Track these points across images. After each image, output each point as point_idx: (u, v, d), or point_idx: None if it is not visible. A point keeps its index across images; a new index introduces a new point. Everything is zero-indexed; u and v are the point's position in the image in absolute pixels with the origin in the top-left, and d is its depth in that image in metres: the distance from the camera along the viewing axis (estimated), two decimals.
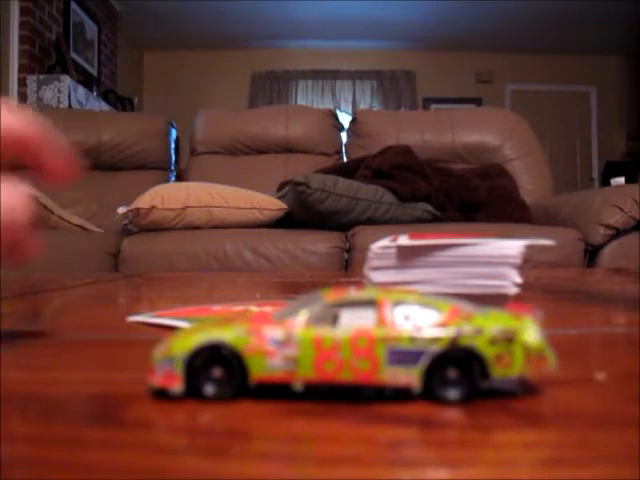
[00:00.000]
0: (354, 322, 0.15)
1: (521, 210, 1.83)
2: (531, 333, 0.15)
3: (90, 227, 1.78)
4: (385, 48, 5.82)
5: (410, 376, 0.15)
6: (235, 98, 5.65)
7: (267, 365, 0.15)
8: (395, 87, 5.83)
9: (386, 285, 0.32)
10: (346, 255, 1.49)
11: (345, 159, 2.26)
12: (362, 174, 1.75)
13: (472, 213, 1.77)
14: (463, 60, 5.86)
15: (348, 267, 1.46)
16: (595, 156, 5.98)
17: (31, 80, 3.32)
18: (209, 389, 0.15)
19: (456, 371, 0.15)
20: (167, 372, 0.16)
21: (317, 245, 1.45)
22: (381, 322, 0.15)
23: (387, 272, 0.31)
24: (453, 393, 0.15)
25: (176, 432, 0.13)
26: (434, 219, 1.67)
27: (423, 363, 0.15)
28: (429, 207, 1.67)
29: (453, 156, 2.14)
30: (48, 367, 0.21)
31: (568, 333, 0.27)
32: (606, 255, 1.47)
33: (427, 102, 5.84)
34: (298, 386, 0.15)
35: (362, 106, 5.76)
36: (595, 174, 5.91)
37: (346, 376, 0.15)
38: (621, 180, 2.01)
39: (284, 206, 1.67)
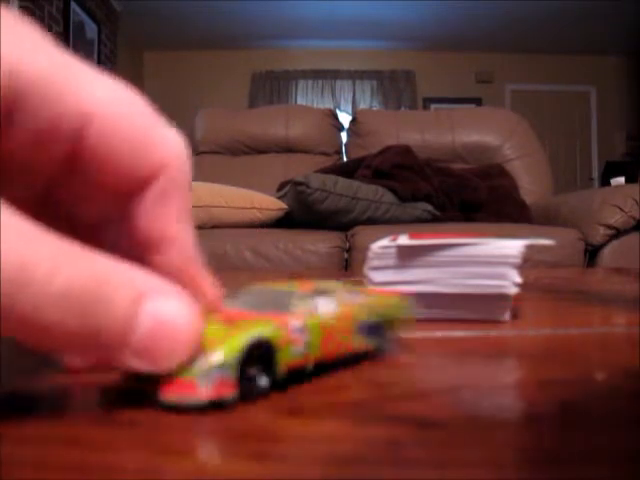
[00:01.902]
0: (327, 307, 0.18)
1: (521, 210, 1.83)
2: (401, 305, 0.22)
3: None
4: (385, 48, 5.82)
5: (371, 343, 0.20)
6: (235, 98, 5.65)
7: (292, 353, 0.16)
8: (395, 87, 5.83)
9: (385, 285, 0.32)
10: (346, 255, 1.49)
11: (345, 159, 2.26)
12: (362, 174, 1.75)
13: (472, 213, 1.77)
14: (463, 60, 5.86)
15: (348, 267, 1.46)
16: (595, 156, 5.98)
17: None
18: (261, 384, 0.16)
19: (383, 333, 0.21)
20: (219, 381, 0.14)
21: (317, 245, 1.45)
22: (345, 305, 0.19)
23: (387, 272, 0.31)
24: (386, 346, 0.21)
25: (176, 432, 0.13)
26: (434, 219, 1.67)
27: (378, 332, 0.20)
28: (429, 207, 1.67)
29: (453, 156, 2.14)
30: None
31: (568, 333, 0.27)
32: (606, 255, 1.47)
33: (427, 102, 5.84)
34: (310, 367, 0.17)
35: (362, 106, 5.76)
36: (595, 174, 5.91)
37: (340, 351, 0.18)
38: (621, 180, 2.01)
39: (284, 206, 1.67)
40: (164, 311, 0.13)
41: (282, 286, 0.19)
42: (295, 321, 0.17)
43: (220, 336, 0.15)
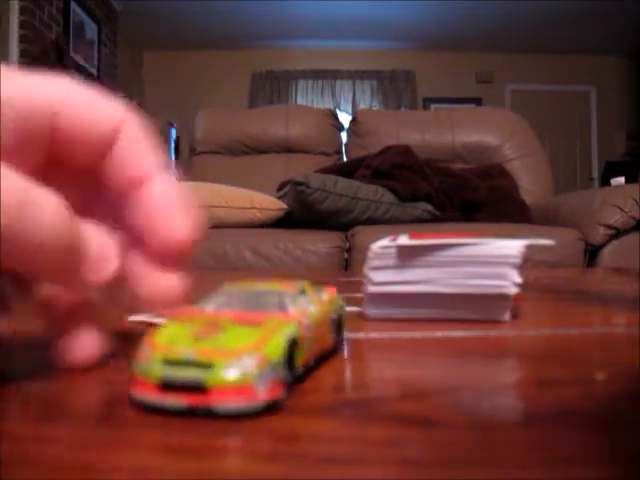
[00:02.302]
0: (305, 304, 0.19)
1: (521, 210, 1.83)
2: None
3: None
4: (385, 48, 5.82)
5: (333, 337, 0.21)
6: (235, 98, 5.65)
7: (305, 350, 0.17)
8: (395, 87, 5.83)
9: (385, 285, 0.32)
10: (346, 255, 1.49)
11: (345, 159, 2.26)
12: (362, 174, 1.75)
13: (472, 213, 1.77)
14: (463, 60, 5.86)
15: (348, 267, 1.46)
16: (595, 156, 5.98)
17: None
18: (289, 382, 0.16)
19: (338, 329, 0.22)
20: (272, 383, 0.14)
21: (317, 245, 1.45)
22: (318, 302, 0.20)
23: (387, 272, 0.31)
24: (342, 342, 0.22)
25: (175, 432, 0.13)
26: (434, 219, 1.67)
27: (336, 326, 0.21)
28: (429, 207, 1.67)
29: (453, 156, 2.14)
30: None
31: (568, 333, 0.27)
32: (606, 255, 1.47)
33: (427, 102, 5.84)
34: (312, 363, 0.18)
35: (362, 106, 5.76)
36: (595, 174, 5.91)
37: (327, 345, 0.20)
38: (621, 180, 2.01)
39: (284, 206, 1.67)
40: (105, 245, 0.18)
41: (262, 286, 0.19)
42: (306, 320, 0.17)
43: (256, 338, 0.15)
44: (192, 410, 0.14)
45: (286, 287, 0.19)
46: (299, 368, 0.17)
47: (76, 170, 0.19)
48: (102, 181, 0.19)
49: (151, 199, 0.18)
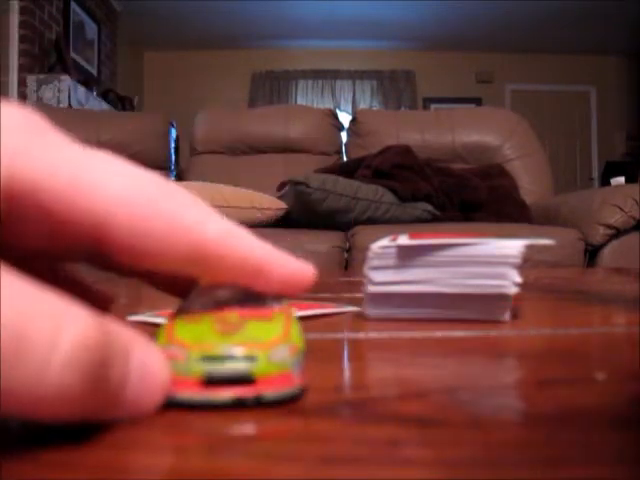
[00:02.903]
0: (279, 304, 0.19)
1: (521, 210, 1.83)
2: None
3: None
4: (385, 48, 5.82)
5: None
6: (235, 98, 5.65)
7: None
8: (395, 87, 5.83)
9: (385, 285, 0.32)
10: (346, 255, 1.49)
11: (345, 159, 2.26)
12: (362, 174, 1.75)
13: (472, 213, 1.77)
14: (463, 60, 5.86)
15: (348, 267, 1.46)
16: (595, 156, 5.98)
17: (31, 80, 3.32)
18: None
19: None
20: (301, 369, 0.16)
21: (317, 245, 1.45)
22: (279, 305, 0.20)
23: (387, 272, 0.31)
24: None
25: (175, 431, 0.13)
26: (434, 219, 1.67)
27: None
28: (429, 207, 1.67)
29: (453, 156, 2.14)
30: None
31: (568, 333, 0.27)
32: (606, 255, 1.47)
33: (427, 102, 5.84)
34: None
35: (362, 106, 5.76)
36: (595, 174, 5.91)
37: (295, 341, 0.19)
38: (621, 180, 2.01)
39: (284, 206, 1.67)
40: (149, 362, 0.13)
41: (227, 286, 0.19)
42: (296, 314, 0.18)
43: (280, 329, 0.16)
44: (241, 401, 0.15)
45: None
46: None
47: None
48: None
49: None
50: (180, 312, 0.17)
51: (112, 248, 0.14)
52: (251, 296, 0.18)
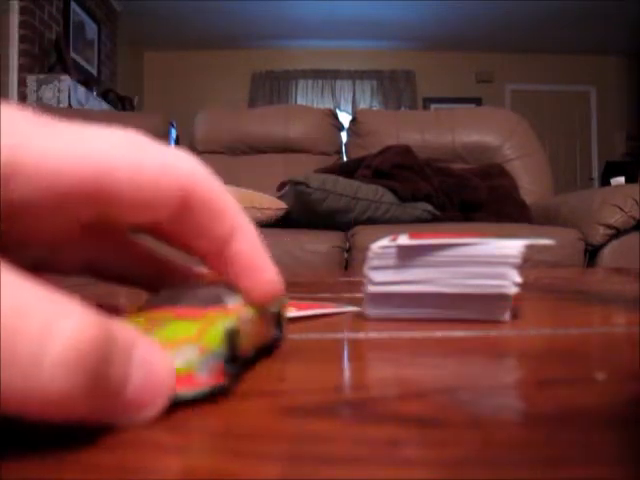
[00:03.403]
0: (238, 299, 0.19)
1: (521, 210, 1.83)
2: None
3: None
4: (385, 48, 5.83)
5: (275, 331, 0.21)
6: (235, 98, 5.65)
7: (244, 342, 0.18)
8: (395, 87, 5.83)
9: (385, 285, 0.32)
10: (346, 255, 1.49)
11: (345, 159, 2.26)
12: (362, 174, 1.75)
13: (472, 213, 1.77)
14: (463, 60, 5.86)
15: (348, 267, 1.46)
16: (595, 156, 5.98)
17: (31, 80, 3.32)
18: (234, 371, 0.16)
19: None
20: (213, 369, 0.15)
21: (317, 245, 1.45)
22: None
23: (387, 272, 0.31)
24: (279, 333, 0.22)
25: (174, 431, 0.13)
26: (434, 219, 1.67)
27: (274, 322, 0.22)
28: (429, 207, 1.67)
29: (453, 156, 2.14)
30: None
31: (568, 333, 0.27)
32: (606, 255, 1.47)
33: (427, 102, 5.84)
34: (251, 355, 0.19)
35: (362, 106, 5.77)
36: (595, 174, 5.91)
37: (264, 339, 0.20)
38: (621, 180, 2.01)
39: (284, 206, 1.67)
40: (153, 360, 0.13)
41: (209, 284, 0.20)
42: (245, 313, 0.18)
43: (195, 330, 0.16)
44: None
45: (226, 284, 0.20)
46: (241, 360, 0.17)
47: (138, 225, 0.16)
48: (173, 237, 0.17)
49: (235, 261, 0.17)
50: (137, 308, 0.18)
51: (114, 206, 0.14)
52: (215, 296, 0.18)
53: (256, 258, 0.18)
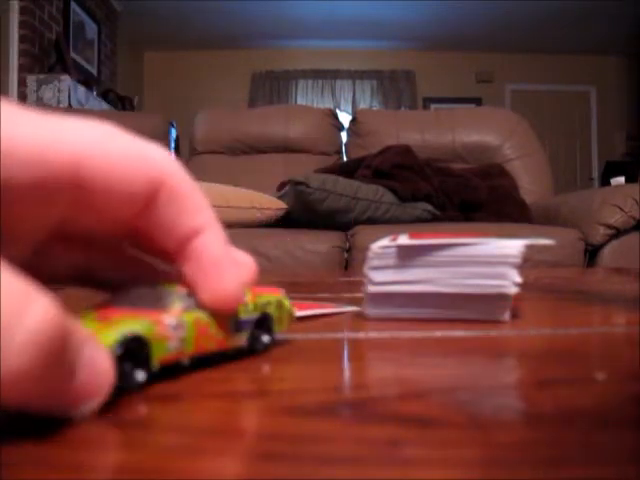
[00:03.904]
0: (191, 304, 0.19)
1: (521, 210, 1.83)
2: (287, 302, 0.23)
3: None
4: (385, 48, 5.82)
5: (243, 338, 0.21)
6: (235, 98, 5.65)
7: (166, 348, 0.17)
8: (395, 87, 5.83)
9: (385, 285, 0.32)
10: (346, 255, 1.49)
11: (345, 159, 2.26)
12: (362, 174, 1.75)
13: (472, 213, 1.77)
14: (463, 60, 5.86)
15: (348, 267, 1.46)
16: (595, 156, 5.98)
17: (31, 80, 3.32)
18: (137, 378, 0.16)
19: (260, 330, 0.22)
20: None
21: (317, 245, 1.45)
22: None
23: (387, 272, 0.31)
24: (265, 338, 0.22)
25: (173, 431, 0.13)
26: (434, 219, 1.67)
27: (250, 327, 0.21)
28: (429, 207, 1.67)
29: (453, 156, 2.14)
30: None
31: (568, 333, 0.27)
32: (606, 255, 1.47)
33: (427, 102, 5.84)
34: (186, 361, 0.18)
35: (362, 106, 5.76)
36: (595, 174, 5.91)
37: (211, 346, 0.19)
38: (621, 180, 2.01)
39: (284, 206, 1.67)
40: (98, 358, 0.14)
41: (165, 286, 0.19)
42: (170, 318, 0.17)
43: (91, 329, 0.16)
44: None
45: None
46: (155, 365, 0.17)
47: (109, 218, 0.17)
48: (142, 232, 0.17)
49: (199, 256, 0.17)
50: (93, 307, 0.18)
51: (87, 194, 0.15)
52: (158, 298, 0.18)
53: (215, 261, 0.18)
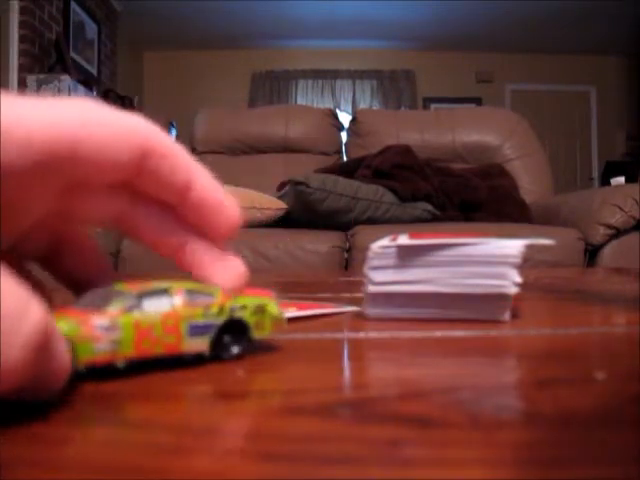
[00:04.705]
0: (155, 307, 0.19)
1: (521, 210, 1.83)
2: (274, 306, 0.22)
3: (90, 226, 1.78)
4: (385, 48, 5.82)
5: (204, 344, 0.19)
6: (235, 98, 5.65)
7: (94, 349, 0.17)
8: (395, 87, 5.83)
9: (385, 284, 0.32)
10: (346, 255, 1.49)
11: (345, 159, 2.26)
12: (362, 174, 1.75)
13: (472, 213, 1.77)
14: (463, 60, 5.86)
15: (348, 267, 1.46)
16: (595, 156, 5.98)
17: (31, 80, 3.32)
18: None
19: (230, 335, 0.20)
20: None
21: (317, 245, 1.45)
22: (180, 305, 0.19)
23: (387, 272, 0.31)
24: (235, 349, 0.21)
25: (173, 431, 0.13)
26: (434, 219, 1.67)
27: (212, 333, 0.20)
28: (429, 207, 1.67)
29: (453, 156, 2.14)
30: None
31: (568, 333, 0.27)
32: (606, 255, 1.47)
33: (427, 102, 5.84)
34: (120, 363, 0.18)
35: (362, 106, 5.76)
36: (595, 174, 5.91)
37: (158, 350, 0.18)
38: (621, 180, 2.01)
39: (284, 206, 1.67)
40: (63, 349, 0.15)
41: (120, 286, 0.19)
42: (99, 319, 0.17)
43: None
44: None
45: (147, 287, 0.19)
46: (78, 366, 0.16)
47: (107, 185, 0.19)
48: (141, 192, 0.19)
49: (203, 198, 0.19)
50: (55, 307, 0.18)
51: (82, 165, 0.16)
52: (102, 299, 0.18)
53: (217, 200, 0.20)
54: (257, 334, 0.21)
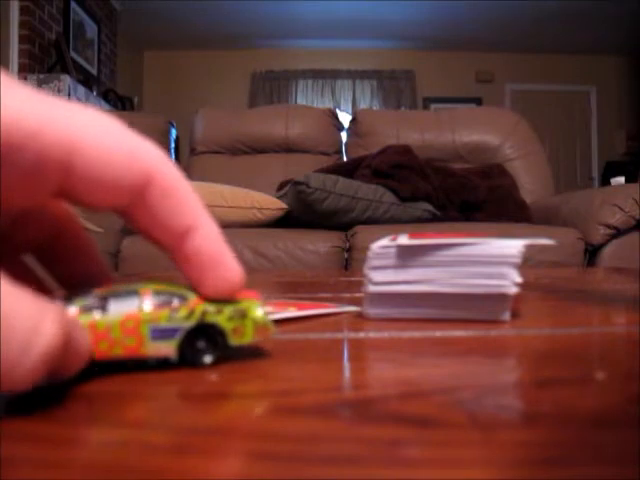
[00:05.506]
0: (122, 308, 0.18)
1: (521, 210, 1.83)
2: (258, 310, 0.20)
3: (90, 226, 1.78)
4: (385, 48, 5.82)
5: (169, 348, 0.18)
6: (235, 98, 5.65)
7: None
8: (395, 87, 5.83)
9: (385, 284, 0.32)
10: (346, 254, 1.49)
11: (345, 158, 2.26)
12: (362, 173, 1.75)
13: (472, 213, 1.77)
14: (463, 60, 5.86)
15: (348, 266, 1.46)
16: (595, 156, 5.98)
17: (31, 79, 3.32)
18: None
19: (204, 341, 0.19)
20: None
21: (317, 245, 1.45)
22: (144, 307, 0.18)
23: (387, 272, 0.31)
24: (207, 358, 0.19)
25: (172, 431, 0.13)
26: (434, 219, 1.67)
27: (179, 337, 0.19)
28: (429, 207, 1.67)
29: (453, 156, 2.14)
30: None
31: (568, 333, 0.27)
32: (606, 255, 1.47)
33: (427, 102, 5.84)
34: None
35: (362, 106, 5.76)
36: (595, 174, 5.91)
37: (117, 352, 0.18)
38: (621, 180, 2.01)
39: (284, 206, 1.67)
40: (82, 337, 0.16)
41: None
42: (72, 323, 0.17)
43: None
44: None
45: (118, 288, 0.18)
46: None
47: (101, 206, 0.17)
48: (140, 225, 0.17)
49: (200, 252, 0.18)
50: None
51: (79, 179, 0.15)
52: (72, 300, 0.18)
53: (216, 255, 0.18)
54: (236, 341, 0.19)
